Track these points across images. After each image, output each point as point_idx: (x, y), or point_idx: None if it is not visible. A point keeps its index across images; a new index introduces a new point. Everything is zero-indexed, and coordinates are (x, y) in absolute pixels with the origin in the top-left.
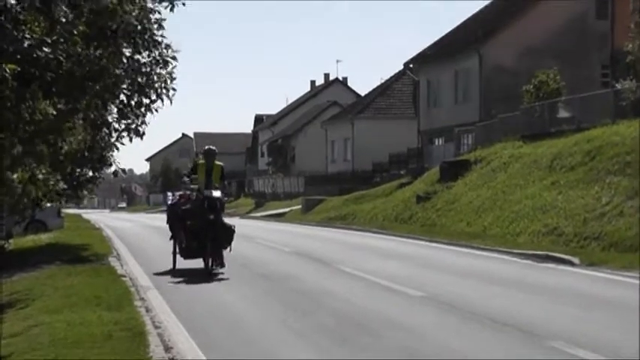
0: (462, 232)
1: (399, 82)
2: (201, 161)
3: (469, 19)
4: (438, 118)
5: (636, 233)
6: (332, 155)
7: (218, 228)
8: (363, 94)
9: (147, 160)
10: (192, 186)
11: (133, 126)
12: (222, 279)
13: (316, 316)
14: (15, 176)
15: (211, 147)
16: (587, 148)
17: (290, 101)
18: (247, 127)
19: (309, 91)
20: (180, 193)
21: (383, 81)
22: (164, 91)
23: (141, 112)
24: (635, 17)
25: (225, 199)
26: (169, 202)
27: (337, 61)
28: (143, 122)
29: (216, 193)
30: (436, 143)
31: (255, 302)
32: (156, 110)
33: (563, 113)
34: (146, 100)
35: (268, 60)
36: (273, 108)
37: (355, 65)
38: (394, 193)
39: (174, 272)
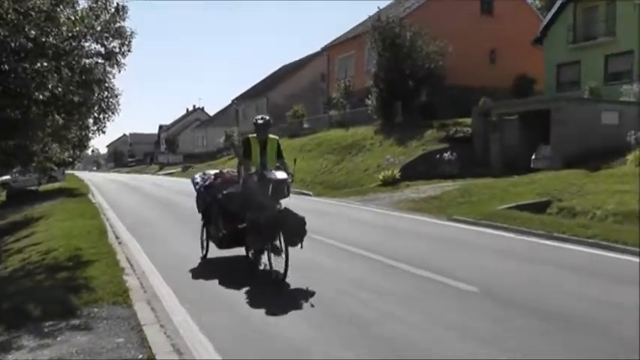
0: None
1: (231, 108)
2: (252, 135)
3: (264, 79)
4: (247, 126)
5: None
6: (196, 143)
7: (289, 221)
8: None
9: (107, 146)
10: (252, 168)
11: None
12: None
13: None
14: (41, 157)
15: (264, 116)
16: (317, 141)
17: (182, 113)
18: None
19: (186, 113)
20: (216, 172)
21: (230, 103)
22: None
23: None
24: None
25: (291, 180)
26: (200, 184)
27: (199, 99)
28: (105, 125)
29: (282, 175)
30: None
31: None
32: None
33: (305, 124)
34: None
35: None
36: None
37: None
38: (227, 163)
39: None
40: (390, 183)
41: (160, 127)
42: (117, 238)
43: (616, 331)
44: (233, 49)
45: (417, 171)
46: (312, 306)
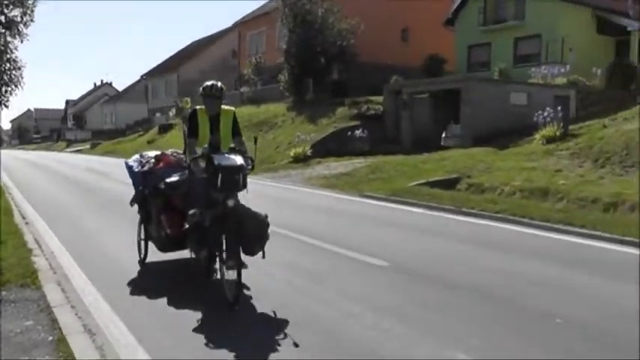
0: None
1: (140, 84)
2: (201, 107)
3: (174, 54)
4: (157, 103)
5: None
6: (105, 120)
7: (241, 221)
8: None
9: (10, 122)
10: (197, 150)
11: (3, 100)
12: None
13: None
14: None
15: (215, 82)
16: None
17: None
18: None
19: (94, 88)
20: (157, 154)
21: (140, 79)
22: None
23: (7, 92)
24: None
25: (249, 167)
26: (137, 170)
27: (107, 74)
28: (7, 99)
29: (236, 159)
30: (156, 115)
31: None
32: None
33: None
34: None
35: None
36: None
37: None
38: (137, 139)
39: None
40: (301, 160)
41: (67, 102)
42: (23, 218)
43: (520, 300)
44: (142, 24)
45: (328, 148)
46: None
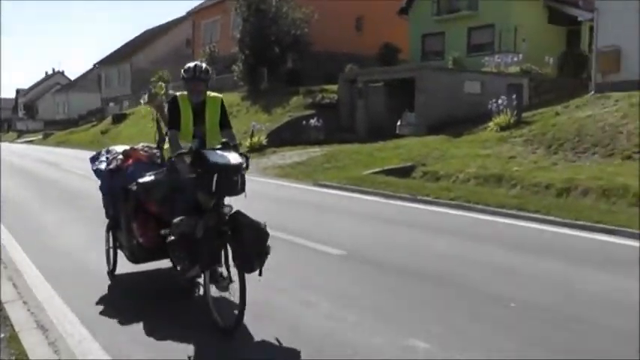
0: None
1: (93, 73)
2: (183, 93)
3: (127, 43)
4: (110, 92)
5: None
6: (57, 110)
7: (239, 230)
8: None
9: None
10: (182, 146)
11: None
12: None
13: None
14: None
15: (199, 63)
16: None
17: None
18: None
19: (45, 76)
20: (125, 148)
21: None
22: None
23: None
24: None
25: (245, 165)
26: (105, 168)
27: (58, 62)
28: None
29: (232, 158)
30: (110, 105)
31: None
32: None
33: (171, 90)
34: None
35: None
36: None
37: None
38: (90, 130)
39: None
40: (256, 149)
41: (18, 91)
42: None
43: (475, 285)
44: (95, 11)
45: (284, 137)
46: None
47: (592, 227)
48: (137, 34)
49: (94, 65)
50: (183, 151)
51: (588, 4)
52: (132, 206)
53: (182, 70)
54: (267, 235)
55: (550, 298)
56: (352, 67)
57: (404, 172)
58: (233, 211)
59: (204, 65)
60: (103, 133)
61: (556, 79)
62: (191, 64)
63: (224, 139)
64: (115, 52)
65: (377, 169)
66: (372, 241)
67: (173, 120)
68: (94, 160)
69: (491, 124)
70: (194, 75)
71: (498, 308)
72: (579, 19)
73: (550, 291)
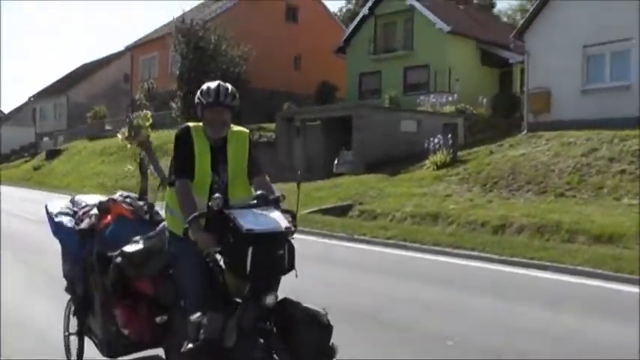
0: (58, 185)
1: (27, 107)
2: (197, 125)
3: (63, 76)
4: (45, 127)
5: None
6: None
7: (291, 329)
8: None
9: None
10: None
11: None
12: None
13: None
14: None
15: (222, 83)
16: (119, 144)
17: None
18: None
19: None
20: (101, 200)
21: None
22: None
23: None
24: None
25: (293, 230)
26: (70, 225)
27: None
28: None
29: (273, 221)
30: (44, 139)
31: None
32: None
33: (107, 126)
34: None
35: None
36: None
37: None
38: (22, 166)
39: None
40: None
41: None
42: None
43: (411, 324)
44: (31, 41)
45: None
46: None
47: (527, 264)
48: (75, 67)
49: (30, 98)
50: (200, 213)
51: (519, 47)
52: (113, 282)
53: (198, 93)
54: (330, 329)
55: (488, 335)
56: (290, 106)
57: (341, 211)
58: (279, 299)
59: (229, 86)
60: (35, 169)
61: (490, 118)
62: (212, 85)
63: (259, 191)
64: (51, 85)
65: (314, 209)
66: (305, 280)
67: (182, 163)
68: (54, 214)
69: (427, 162)
70: (217, 100)
71: (436, 347)
72: (510, 61)
73: (487, 328)
